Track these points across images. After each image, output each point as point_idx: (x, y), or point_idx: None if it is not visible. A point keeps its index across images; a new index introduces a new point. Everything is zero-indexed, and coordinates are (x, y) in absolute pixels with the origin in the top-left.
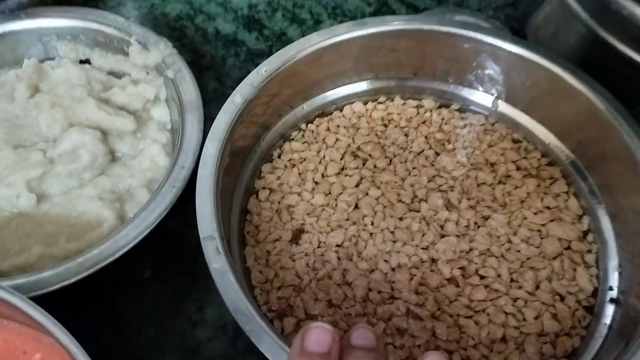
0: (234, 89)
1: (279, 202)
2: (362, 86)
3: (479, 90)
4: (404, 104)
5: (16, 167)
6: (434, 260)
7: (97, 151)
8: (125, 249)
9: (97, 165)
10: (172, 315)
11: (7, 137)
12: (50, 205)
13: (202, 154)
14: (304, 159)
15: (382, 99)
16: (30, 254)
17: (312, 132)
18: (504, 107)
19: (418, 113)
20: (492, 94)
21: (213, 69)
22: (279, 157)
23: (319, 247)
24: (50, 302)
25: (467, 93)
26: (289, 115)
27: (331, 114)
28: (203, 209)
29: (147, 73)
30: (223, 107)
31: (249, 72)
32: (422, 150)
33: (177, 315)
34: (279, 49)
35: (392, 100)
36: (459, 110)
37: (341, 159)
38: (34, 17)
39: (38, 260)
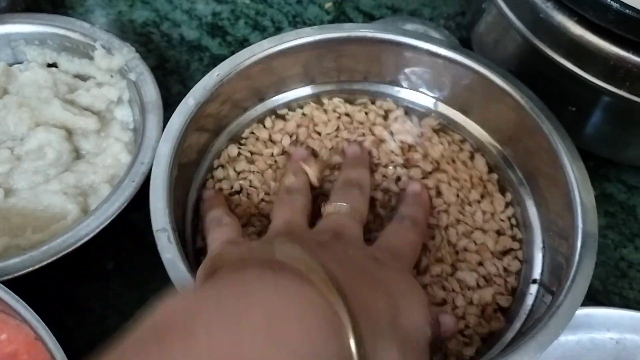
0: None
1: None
2: (310, 90)
3: (421, 92)
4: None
5: None
6: None
7: (62, 149)
8: (87, 238)
9: (62, 162)
10: (135, 304)
11: None
12: (17, 200)
13: (156, 153)
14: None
15: (326, 101)
16: None
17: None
18: (443, 109)
19: (366, 115)
20: (433, 96)
21: (177, 73)
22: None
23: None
24: (16, 289)
25: (409, 95)
26: (242, 117)
27: (283, 116)
28: (156, 204)
29: (111, 76)
30: (177, 109)
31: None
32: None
33: (140, 305)
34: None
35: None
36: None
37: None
38: (2, 23)
39: (5, 251)
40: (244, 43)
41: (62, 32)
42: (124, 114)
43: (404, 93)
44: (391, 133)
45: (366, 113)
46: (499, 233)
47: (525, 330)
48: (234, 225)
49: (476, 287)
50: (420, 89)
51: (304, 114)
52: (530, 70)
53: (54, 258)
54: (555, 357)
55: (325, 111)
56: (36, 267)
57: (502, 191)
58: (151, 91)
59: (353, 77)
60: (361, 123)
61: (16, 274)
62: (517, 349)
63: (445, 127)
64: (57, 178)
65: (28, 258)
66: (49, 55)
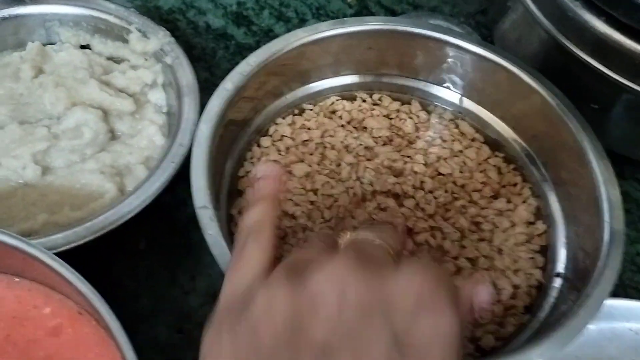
0: (223, 79)
1: None
2: (342, 80)
3: (446, 88)
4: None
5: (22, 141)
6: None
7: (98, 129)
8: (129, 217)
9: (98, 142)
10: (166, 283)
11: (12, 113)
12: (54, 177)
13: (197, 134)
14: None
15: (360, 93)
16: (36, 221)
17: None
18: (468, 104)
19: (396, 109)
20: (459, 92)
21: (204, 60)
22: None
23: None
24: None
25: (435, 90)
26: (275, 103)
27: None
28: (198, 182)
29: (146, 59)
30: (215, 92)
31: (237, 64)
32: (391, 141)
33: (171, 284)
34: (264, 43)
35: (371, 96)
36: (427, 107)
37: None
38: (37, 3)
39: (43, 227)
40: (268, 33)
41: (97, 14)
42: (158, 97)
43: (430, 87)
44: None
45: (389, 117)
46: (523, 228)
47: (551, 321)
48: (266, 252)
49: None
50: (445, 84)
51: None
52: (553, 68)
53: (98, 235)
54: (577, 345)
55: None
56: (80, 243)
57: (524, 186)
58: (187, 75)
59: (380, 70)
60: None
61: (60, 249)
62: (547, 337)
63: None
64: (94, 157)
65: (72, 234)
66: (82, 37)
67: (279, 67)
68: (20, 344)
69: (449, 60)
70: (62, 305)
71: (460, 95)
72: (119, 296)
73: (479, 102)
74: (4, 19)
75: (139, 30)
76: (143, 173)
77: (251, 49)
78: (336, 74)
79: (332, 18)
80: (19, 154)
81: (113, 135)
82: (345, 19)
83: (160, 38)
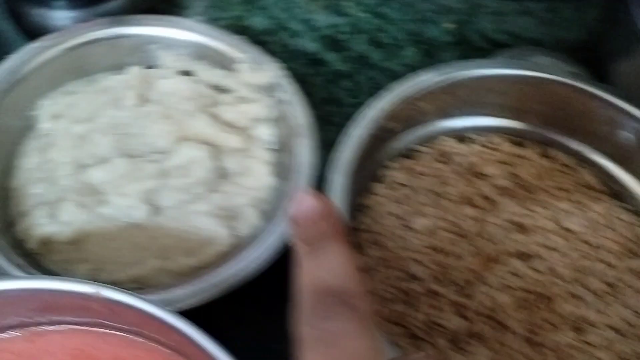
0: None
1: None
2: (453, 122)
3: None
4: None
5: (130, 177)
6: None
7: (208, 167)
8: (254, 270)
9: (207, 181)
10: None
11: (116, 144)
12: (164, 218)
13: (332, 185)
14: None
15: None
16: (146, 266)
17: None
18: (590, 152)
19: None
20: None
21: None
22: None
23: None
24: None
25: (555, 135)
26: (385, 145)
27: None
28: None
29: (255, 92)
30: (345, 141)
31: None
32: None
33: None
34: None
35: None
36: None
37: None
38: (140, 25)
39: (153, 273)
40: (364, 59)
41: (203, 40)
42: (268, 133)
43: (549, 132)
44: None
45: (506, 163)
46: None
47: None
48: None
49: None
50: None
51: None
52: None
53: (225, 290)
54: None
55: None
56: (206, 299)
57: None
58: (302, 112)
59: (497, 113)
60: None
61: (183, 306)
62: None
63: None
64: (204, 198)
65: (197, 289)
66: (185, 62)
67: (403, 110)
68: None
69: (597, 117)
70: None
71: (581, 142)
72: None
73: (603, 152)
74: (102, 39)
75: (250, 61)
76: (254, 216)
77: (346, 76)
78: (447, 115)
79: (429, 44)
80: (127, 192)
81: (221, 173)
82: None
83: (272, 70)
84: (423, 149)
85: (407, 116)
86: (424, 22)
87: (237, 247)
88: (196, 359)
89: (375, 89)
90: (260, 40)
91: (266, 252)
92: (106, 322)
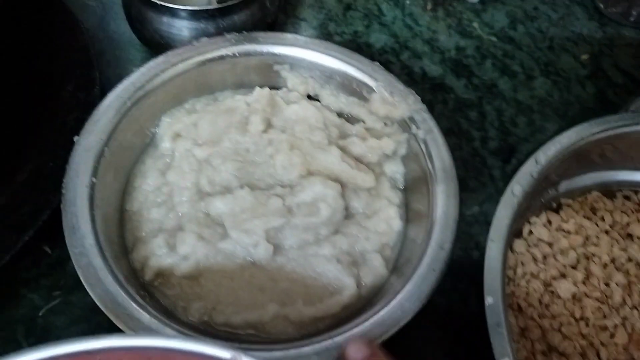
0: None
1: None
2: (604, 175)
3: None
4: None
5: (255, 212)
6: None
7: (336, 206)
8: (384, 336)
9: (334, 221)
10: None
11: (238, 173)
12: (286, 260)
13: (487, 255)
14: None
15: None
16: (265, 312)
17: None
18: None
19: None
20: None
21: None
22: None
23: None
24: None
25: None
26: (542, 196)
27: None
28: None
29: (385, 124)
30: (502, 199)
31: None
32: None
33: None
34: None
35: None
36: None
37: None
38: (267, 43)
39: (272, 320)
40: (491, 88)
41: (333, 62)
42: (395, 170)
43: None
44: None
45: None
46: None
47: None
48: None
49: None
50: None
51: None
52: None
53: None
54: None
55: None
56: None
57: None
58: (443, 155)
59: None
60: None
61: None
62: None
63: None
64: (329, 240)
65: (323, 350)
66: (311, 86)
67: (561, 165)
68: None
69: None
70: None
71: None
72: None
73: None
74: (227, 57)
75: (384, 90)
76: (379, 263)
77: (472, 105)
78: (600, 169)
79: (562, 76)
80: (250, 228)
81: (347, 214)
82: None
83: (410, 104)
84: (570, 202)
85: (562, 170)
86: (555, 50)
87: (361, 299)
88: None
89: (502, 122)
90: (380, 60)
91: (401, 316)
92: None
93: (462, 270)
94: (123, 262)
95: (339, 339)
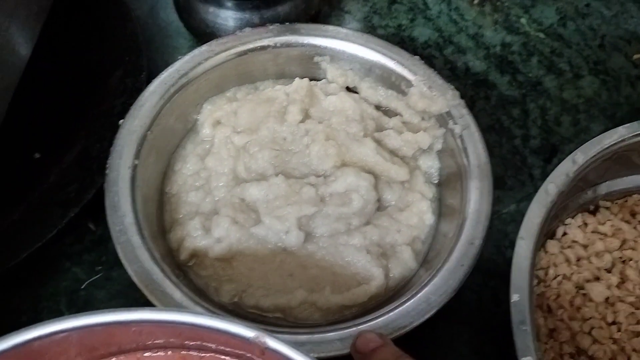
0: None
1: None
2: None
3: None
4: None
5: (288, 199)
6: None
7: (369, 198)
8: (406, 329)
9: (366, 212)
10: None
11: (274, 161)
12: (316, 247)
13: (515, 252)
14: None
15: None
16: (293, 297)
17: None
18: None
19: None
20: None
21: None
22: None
23: None
24: None
25: None
26: (579, 197)
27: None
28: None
29: (423, 118)
30: (536, 197)
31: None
32: None
33: None
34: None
35: None
36: None
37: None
38: (308, 34)
39: (299, 305)
40: (536, 86)
41: (374, 55)
42: (430, 164)
43: None
44: None
45: None
46: None
47: None
48: None
49: None
50: None
51: None
52: None
53: None
54: None
55: None
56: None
57: None
58: (479, 152)
59: None
60: None
61: (334, 352)
62: None
63: None
64: (360, 231)
65: (347, 336)
66: (351, 78)
67: (600, 166)
68: None
69: None
70: None
71: None
72: None
73: None
74: (269, 47)
75: (422, 84)
76: (408, 256)
77: (516, 102)
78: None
79: (611, 76)
80: (283, 215)
81: (379, 206)
82: None
83: (448, 99)
84: (609, 205)
85: (601, 171)
86: (606, 49)
87: (388, 290)
88: None
89: (545, 121)
90: (423, 54)
91: (426, 309)
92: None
93: (495, 268)
94: (160, 242)
95: (363, 327)
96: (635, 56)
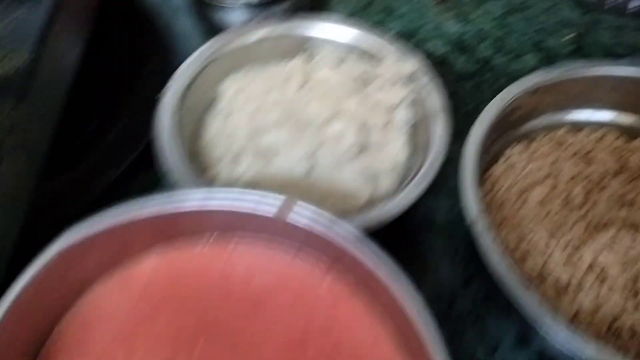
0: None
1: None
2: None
3: None
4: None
5: (295, 141)
6: None
7: (356, 139)
8: (388, 220)
9: (354, 150)
10: None
11: (281, 117)
12: (317, 176)
13: (464, 156)
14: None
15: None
16: None
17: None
18: None
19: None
20: None
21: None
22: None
23: None
24: None
25: None
26: (515, 131)
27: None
28: (468, 197)
29: (398, 80)
30: (479, 121)
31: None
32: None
33: None
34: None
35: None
36: None
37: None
38: (301, 27)
39: None
40: (487, 64)
41: (355, 39)
42: (406, 113)
43: None
44: None
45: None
46: None
47: None
48: None
49: None
50: None
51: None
52: None
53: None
54: None
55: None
56: None
57: None
58: (437, 97)
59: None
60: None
61: None
62: None
63: None
64: (351, 162)
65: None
66: (337, 55)
67: (527, 102)
68: None
69: None
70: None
71: None
72: None
73: None
74: (269, 38)
75: (396, 53)
76: (390, 182)
77: (470, 77)
78: (565, 108)
79: (547, 54)
80: (295, 149)
81: (366, 145)
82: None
83: (414, 63)
84: (540, 137)
85: (529, 107)
86: (544, 33)
87: (374, 204)
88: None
89: (496, 90)
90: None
91: (397, 208)
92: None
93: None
94: (199, 180)
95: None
96: (566, 38)
